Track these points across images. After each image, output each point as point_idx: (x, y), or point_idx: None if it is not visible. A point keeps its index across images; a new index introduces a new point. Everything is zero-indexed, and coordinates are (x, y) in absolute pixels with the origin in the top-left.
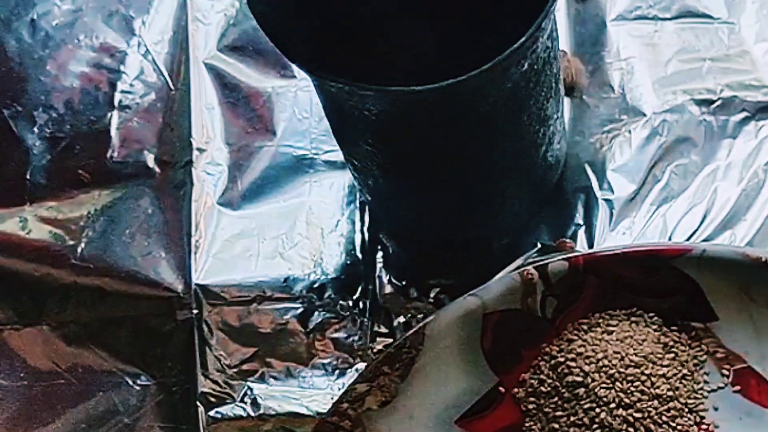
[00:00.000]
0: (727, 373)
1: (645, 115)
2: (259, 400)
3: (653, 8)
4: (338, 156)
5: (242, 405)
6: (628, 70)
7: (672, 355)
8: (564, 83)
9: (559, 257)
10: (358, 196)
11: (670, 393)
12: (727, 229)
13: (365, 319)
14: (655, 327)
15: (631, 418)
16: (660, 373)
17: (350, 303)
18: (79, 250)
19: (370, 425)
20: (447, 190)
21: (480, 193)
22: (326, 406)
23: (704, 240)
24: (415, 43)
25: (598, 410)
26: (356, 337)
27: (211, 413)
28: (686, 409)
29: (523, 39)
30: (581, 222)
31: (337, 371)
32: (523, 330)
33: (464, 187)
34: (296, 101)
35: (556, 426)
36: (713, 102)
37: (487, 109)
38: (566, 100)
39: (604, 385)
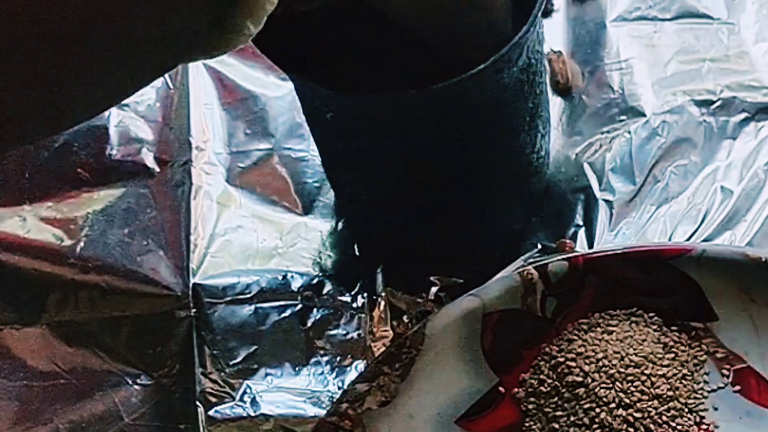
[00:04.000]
0: (727, 373)
1: (645, 115)
2: (259, 399)
3: (653, 9)
4: None
5: (242, 404)
6: (628, 70)
7: (672, 355)
8: (560, 85)
9: (559, 257)
10: None
11: (670, 393)
12: (727, 229)
13: (364, 315)
14: (655, 327)
15: (631, 418)
16: (660, 373)
17: (349, 301)
18: (78, 249)
19: (370, 425)
20: (433, 197)
21: (465, 198)
22: (326, 406)
23: (704, 240)
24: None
25: (598, 410)
26: (355, 335)
27: (211, 413)
28: (686, 409)
29: (505, 48)
30: (581, 222)
31: (336, 370)
32: (523, 330)
33: (449, 193)
34: (295, 103)
35: (556, 426)
36: (713, 103)
37: (471, 113)
38: (566, 101)
39: (604, 385)
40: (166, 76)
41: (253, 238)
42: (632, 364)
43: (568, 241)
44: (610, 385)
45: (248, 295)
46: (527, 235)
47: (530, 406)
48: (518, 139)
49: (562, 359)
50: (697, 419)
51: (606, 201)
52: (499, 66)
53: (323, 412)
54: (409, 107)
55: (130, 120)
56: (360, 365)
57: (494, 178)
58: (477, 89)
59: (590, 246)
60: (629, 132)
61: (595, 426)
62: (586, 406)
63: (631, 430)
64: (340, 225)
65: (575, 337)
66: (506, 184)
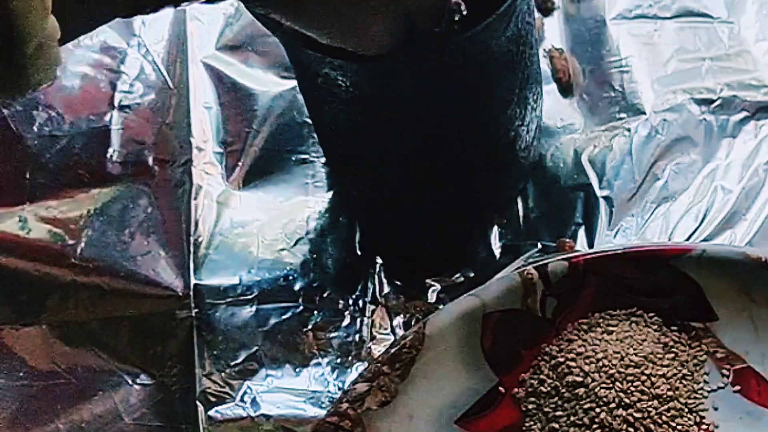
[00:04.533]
0: (727, 373)
1: (645, 113)
2: (259, 400)
3: (653, 7)
4: None
5: (242, 404)
6: (628, 69)
7: (672, 355)
8: (562, 82)
9: (559, 257)
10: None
11: (670, 393)
12: (727, 228)
13: (365, 318)
14: (655, 327)
15: (631, 418)
16: (660, 373)
17: (350, 302)
18: (78, 249)
19: (370, 425)
20: (426, 174)
21: (457, 173)
22: (326, 406)
23: (704, 239)
24: None
25: (598, 410)
26: (356, 337)
27: (211, 413)
28: (686, 409)
29: (491, 18)
30: (581, 221)
31: (336, 371)
32: (523, 330)
33: (441, 163)
34: (295, 102)
35: (556, 426)
36: (713, 101)
37: (459, 81)
38: (567, 99)
39: (604, 385)
40: (167, 76)
41: (253, 238)
42: (632, 364)
43: (568, 240)
44: (610, 385)
45: (249, 296)
46: (527, 234)
47: (530, 406)
48: (507, 110)
49: (562, 359)
50: (697, 419)
51: (606, 199)
52: (485, 35)
53: (323, 413)
54: (399, 71)
55: (130, 120)
56: (360, 367)
57: (483, 148)
58: (461, 58)
59: (590, 245)
60: (629, 130)
61: (595, 426)
62: (586, 406)
63: (631, 430)
64: (340, 225)
65: (575, 337)
66: (495, 154)
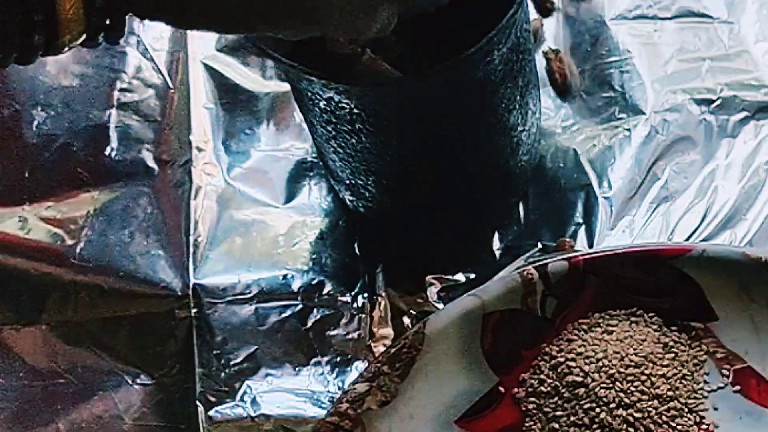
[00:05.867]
0: (727, 373)
1: (644, 113)
2: (259, 400)
3: (653, 8)
4: None
5: (242, 404)
6: (628, 69)
7: (672, 355)
8: (558, 83)
9: (559, 257)
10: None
11: (670, 393)
12: (727, 228)
13: (364, 315)
14: (655, 327)
15: (631, 418)
16: (660, 373)
17: (349, 301)
18: (78, 249)
19: (370, 425)
20: (431, 184)
21: (460, 180)
22: (326, 406)
23: (704, 239)
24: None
25: (598, 410)
26: (355, 335)
27: (211, 413)
28: (686, 409)
29: (493, 32)
30: (581, 220)
31: (336, 370)
32: (523, 330)
33: (447, 177)
34: (295, 104)
35: (556, 426)
36: (713, 101)
37: (465, 94)
38: (566, 99)
39: (604, 385)
40: (167, 75)
41: (253, 238)
42: (632, 364)
43: (568, 239)
44: (610, 385)
45: (248, 295)
46: (527, 233)
47: (530, 406)
48: (510, 117)
49: (562, 359)
50: (697, 419)
51: (606, 199)
52: (488, 49)
53: (323, 413)
54: (404, 95)
55: (130, 120)
56: (360, 365)
57: (487, 156)
58: (467, 72)
59: (590, 244)
60: (629, 130)
61: (595, 426)
62: (586, 406)
63: (631, 430)
64: (340, 224)
65: (575, 337)
66: (498, 161)
